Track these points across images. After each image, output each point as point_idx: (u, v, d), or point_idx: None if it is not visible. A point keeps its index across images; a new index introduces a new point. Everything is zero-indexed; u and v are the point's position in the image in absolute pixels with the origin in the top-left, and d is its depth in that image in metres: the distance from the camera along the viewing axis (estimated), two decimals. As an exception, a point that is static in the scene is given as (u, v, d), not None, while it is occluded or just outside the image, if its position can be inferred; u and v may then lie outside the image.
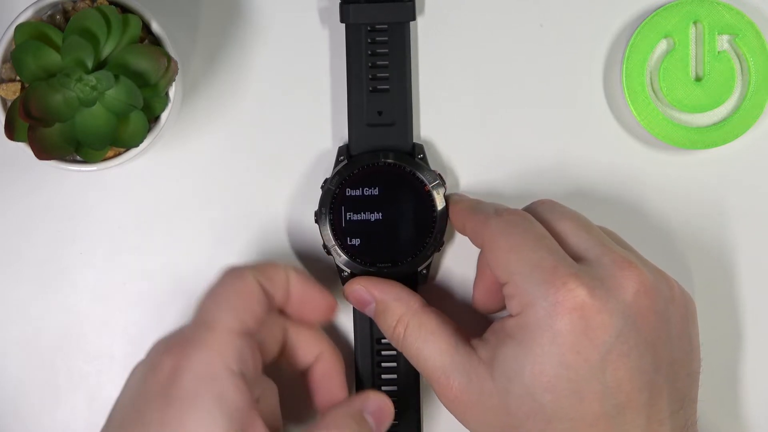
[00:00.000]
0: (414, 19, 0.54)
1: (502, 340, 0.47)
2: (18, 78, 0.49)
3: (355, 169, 0.53)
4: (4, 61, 0.49)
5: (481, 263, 0.52)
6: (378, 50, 0.54)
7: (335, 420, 0.47)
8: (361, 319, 0.54)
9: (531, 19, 0.55)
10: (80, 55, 0.47)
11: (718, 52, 0.55)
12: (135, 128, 0.48)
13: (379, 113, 0.54)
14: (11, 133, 0.48)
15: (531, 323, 0.45)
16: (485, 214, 0.49)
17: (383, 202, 0.53)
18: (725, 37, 0.55)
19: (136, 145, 0.49)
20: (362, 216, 0.53)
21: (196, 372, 0.45)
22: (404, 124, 0.54)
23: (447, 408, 0.49)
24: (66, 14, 0.50)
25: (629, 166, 0.55)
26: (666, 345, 0.46)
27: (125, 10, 0.50)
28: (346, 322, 0.55)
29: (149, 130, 0.49)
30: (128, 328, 0.55)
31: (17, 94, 0.49)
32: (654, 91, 0.55)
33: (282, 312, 0.50)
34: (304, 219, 0.55)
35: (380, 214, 0.53)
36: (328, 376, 0.51)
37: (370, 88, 0.54)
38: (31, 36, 0.47)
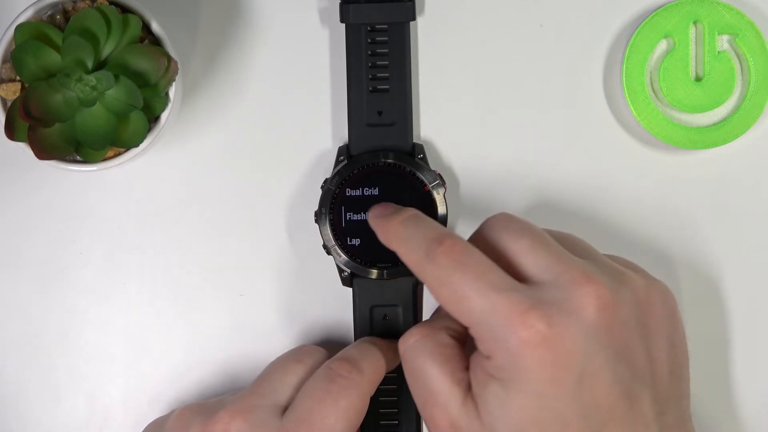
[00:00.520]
0: (414, 19, 0.54)
1: (483, 380, 0.46)
2: (18, 78, 0.49)
3: (355, 169, 0.53)
4: (4, 61, 0.49)
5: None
6: (378, 50, 0.54)
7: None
8: (361, 319, 0.54)
9: (531, 19, 0.55)
10: (80, 55, 0.47)
11: (718, 52, 0.55)
12: (135, 128, 0.48)
13: (379, 113, 0.54)
14: (11, 133, 0.48)
15: (503, 364, 0.45)
16: (418, 255, 0.47)
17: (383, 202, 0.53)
18: (725, 37, 0.55)
19: (136, 145, 0.49)
20: (362, 216, 0.53)
21: None
22: (404, 124, 0.54)
23: None
24: (66, 14, 0.50)
25: (629, 166, 0.55)
26: (639, 349, 0.46)
27: (125, 10, 0.50)
28: (346, 321, 0.55)
29: (149, 130, 0.49)
30: (128, 328, 0.55)
31: (17, 94, 0.49)
32: (654, 91, 0.55)
33: None
34: (304, 219, 0.55)
35: (380, 214, 0.53)
36: None
37: (370, 88, 0.54)
38: (31, 36, 0.47)
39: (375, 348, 0.52)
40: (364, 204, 0.53)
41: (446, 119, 0.55)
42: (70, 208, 0.55)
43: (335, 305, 0.55)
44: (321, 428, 0.48)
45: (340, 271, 0.54)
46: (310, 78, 0.55)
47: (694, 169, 0.56)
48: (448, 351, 0.48)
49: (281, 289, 0.55)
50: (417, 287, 0.54)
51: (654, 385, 0.46)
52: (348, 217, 0.53)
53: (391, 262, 0.53)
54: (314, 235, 0.54)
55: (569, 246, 0.48)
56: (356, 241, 0.53)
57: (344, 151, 0.54)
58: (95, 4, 0.49)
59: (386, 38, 0.54)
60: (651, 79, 0.55)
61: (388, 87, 0.54)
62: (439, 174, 0.53)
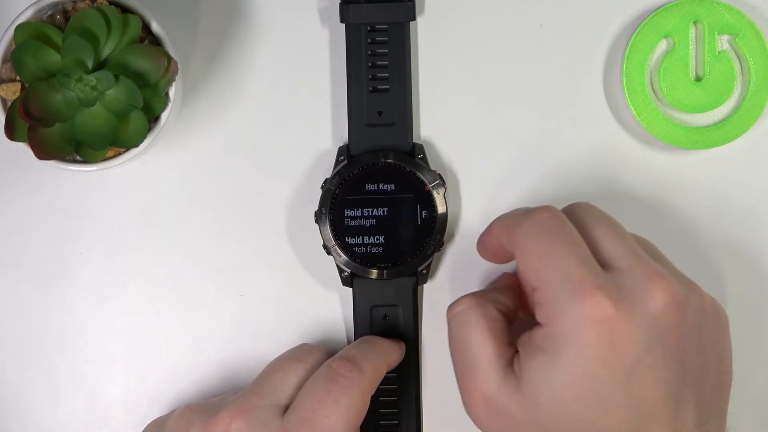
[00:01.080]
0: (414, 19, 0.54)
1: (530, 352, 0.46)
2: (18, 78, 0.49)
3: (355, 169, 0.53)
4: (4, 61, 0.49)
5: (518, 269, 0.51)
6: (378, 50, 0.54)
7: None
8: (361, 319, 0.54)
9: (531, 19, 0.55)
10: (80, 55, 0.47)
11: (718, 52, 0.55)
12: (135, 128, 0.48)
13: (379, 113, 0.54)
14: (11, 133, 0.48)
15: (558, 335, 0.45)
16: (515, 217, 0.49)
17: (383, 202, 0.53)
18: (725, 37, 0.55)
19: (136, 145, 0.49)
20: (362, 216, 0.53)
21: None
22: (404, 124, 0.54)
23: (466, 407, 0.48)
24: (66, 14, 0.50)
25: (629, 166, 0.55)
26: (694, 357, 0.46)
27: (125, 10, 0.50)
28: (346, 321, 0.55)
29: (149, 130, 0.49)
30: (128, 328, 0.55)
31: (17, 94, 0.49)
32: (654, 91, 0.55)
33: None
34: (304, 219, 0.55)
35: (380, 213, 0.53)
36: None
37: (370, 88, 0.54)
38: (31, 36, 0.47)
39: (375, 347, 0.52)
40: (364, 204, 0.53)
41: (446, 119, 0.55)
42: (70, 208, 0.55)
43: (335, 305, 0.55)
44: (322, 428, 0.48)
45: (340, 271, 0.54)
46: (310, 78, 0.55)
47: (694, 169, 0.56)
48: (494, 324, 0.48)
49: (281, 289, 0.55)
50: (417, 287, 0.54)
51: (700, 395, 0.46)
52: (348, 217, 0.53)
53: (391, 262, 0.53)
54: (314, 235, 0.54)
55: (645, 248, 0.49)
56: (356, 241, 0.53)
57: (344, 151, 0.54)
58: (95, 4, 0.49)
59: (386, 38, 0.54)
60: (651, 79, 0.55)
61: (388, 87, 0.54)
62: (439, 174, 0.53)
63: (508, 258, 0.50)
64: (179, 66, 0.49)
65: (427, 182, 0.53)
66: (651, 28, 0.55)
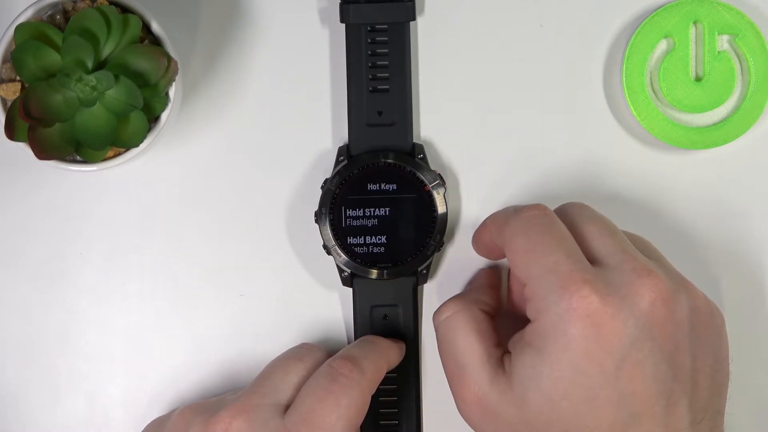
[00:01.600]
0: (414, 19, 0.54)
1: (520, 349, 0.47)
2: (18, 78, 0.49)
3: (355, 169, 0.53)
4: (4, 61, 0.49)
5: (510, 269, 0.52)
6: (378, 50, 0.54)
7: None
8: (361, 319, 0.54)
9: (531, 19, 0.55)
10: (80, 55, 0.47)
11: (718, 52, 0.55)
12: (135, 128, 0.48)
13: (379, 113, 0.54)
14: (11, 133, 0.48)
15: (546, 329, 0.45)
16: (505, 214, 0.49)
17: (383, 202, 0.53)
18: (725, 37, 0.55)
19: (136, 145, 0.49)
20: (362, 216, 0.53)
21: None
22: (404, 124, 0.54)
23: (460, 410, 0.49)
24: (66, 14, 0.50)
25: (629, 166, 0.55)
26: (686, 355, 0.46)
27: (125, 10, 0.50)
28: (346, 321, 0.55)
29: (149, 130, 0.49)
30: (128, 328, 0.55)
31: (17, 94, 0.49)
32: (654, 91, 0.55)
33: None
34: (304, 219, 0.55)
35: (380, 214, 0.53)
36: None
37: (370, 88, 0.54)
38: (31, 36, 0.47)
39: (376, 346, 0.52)
40: (363, 204, 0.53)
41: (446, 119, 0.55)
42: (70, 208, 0.55)
43: (335, 305, 0.55)
44: (322, 427, 0.48)
45: (340, 271, 0.54)
46: (310, 78, 0.55)
47: (694, 169, 0.56)
48: (480, 325, 0.49)
49: (281, 289, 0.55)
50: (417, 287, 0.54)
51: (693, 393, 0.46)
52: (348, 217, 0.53)
53: (391, 262, 0.53)
54: (314, 235, 0.54)
55: (639, 246, 0.49)
56: (356, 241, 0.53)
57: (344, 151, 0.54)
58: (95, 4, 0.49)
59: (386, 38, 0.54)
60: (651, 79, 0.55)
61: (388, 87, 0.54)
62: (439, 174, 0.53)
63: (501, 254, 0.50)
64: (179, 66, 0.49)
65: (427, 182, 0.53)
66: (651, 28, 0.55)
